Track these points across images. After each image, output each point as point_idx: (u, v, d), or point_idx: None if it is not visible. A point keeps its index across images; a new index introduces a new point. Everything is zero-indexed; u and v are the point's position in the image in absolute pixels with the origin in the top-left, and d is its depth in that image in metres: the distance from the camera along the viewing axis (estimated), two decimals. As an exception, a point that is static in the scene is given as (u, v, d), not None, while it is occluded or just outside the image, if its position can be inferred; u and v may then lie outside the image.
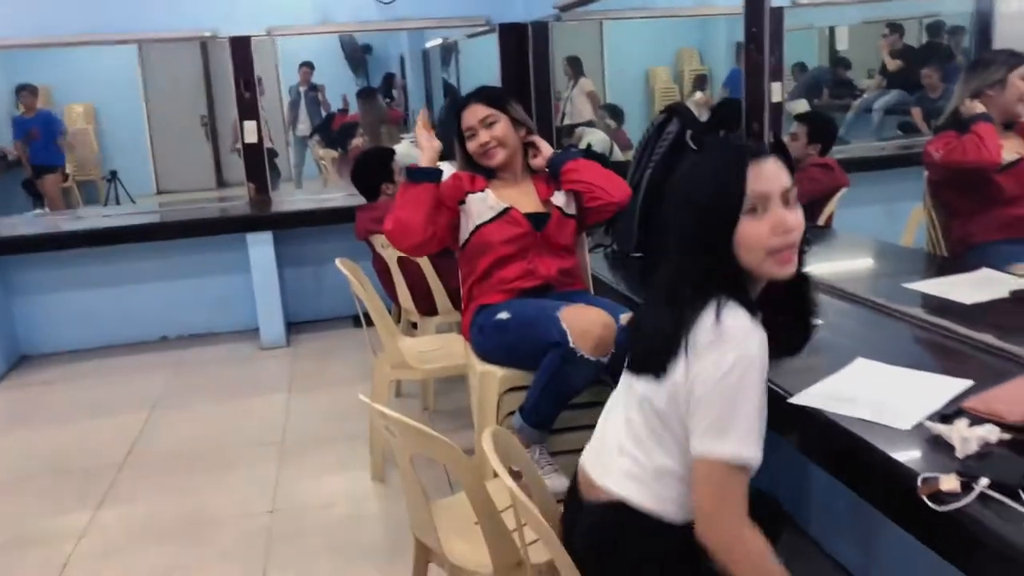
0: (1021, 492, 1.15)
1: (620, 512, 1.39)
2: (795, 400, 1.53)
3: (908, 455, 1.30)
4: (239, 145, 4.86)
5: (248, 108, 4.72)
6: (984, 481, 1.17)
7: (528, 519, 1.34)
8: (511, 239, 2.34)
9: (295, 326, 4.83)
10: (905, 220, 3.24)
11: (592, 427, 1.56)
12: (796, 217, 1.33)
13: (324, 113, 7.97)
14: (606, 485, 1.42)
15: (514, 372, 2.23)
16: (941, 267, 2.60)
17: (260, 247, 4.52)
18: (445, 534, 1.74)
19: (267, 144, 5.80)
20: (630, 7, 5.66)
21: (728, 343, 1.25)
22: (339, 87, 8.22)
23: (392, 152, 3.87)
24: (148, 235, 4.63)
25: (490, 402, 2.18)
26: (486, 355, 2.28)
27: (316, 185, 7.55)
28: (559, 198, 2.43)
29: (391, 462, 2.98)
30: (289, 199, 5.18)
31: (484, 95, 2.46)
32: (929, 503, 1.18)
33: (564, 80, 6.02)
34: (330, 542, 2.65)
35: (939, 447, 1.31)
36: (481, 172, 2.44)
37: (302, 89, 7.91)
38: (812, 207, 3.13)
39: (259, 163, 4.84)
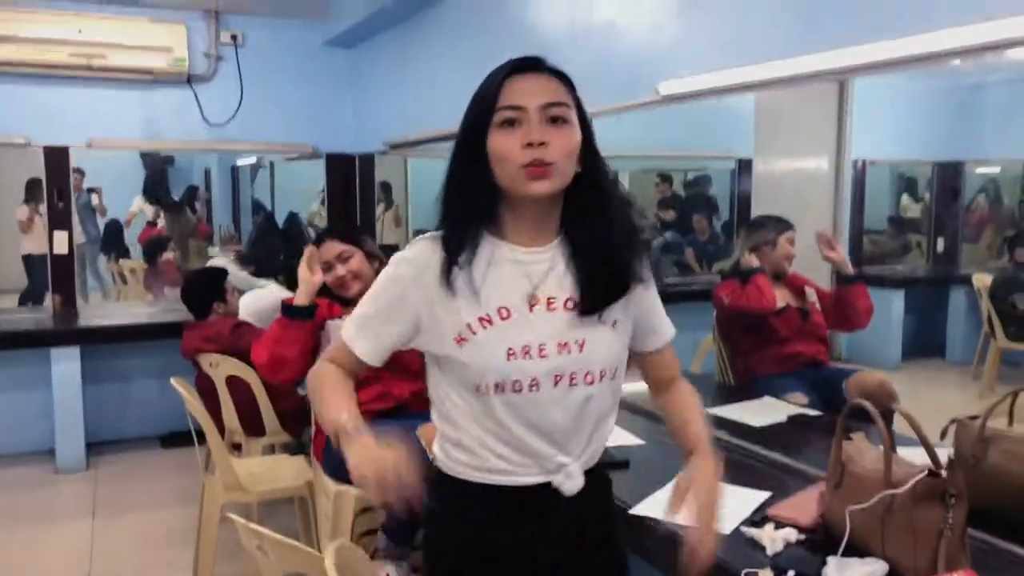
0: (818, 580, 1.45)
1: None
2: (634, 511, 1.79)
3: (730, 554, 1.58)
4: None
5: (60, 219, 4.56)
6: (791, 573, 1.47)
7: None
8: None
9: (95, 447, 4.55)
10: (693, 350, 3.73)
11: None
12: (559, 136, 1.27)
13: (101, 219, 7.52)
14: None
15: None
16: (730, 394, 3.02)
17: (64, 363, 4.28)
18: None
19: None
20: (432, 148, 6.10)
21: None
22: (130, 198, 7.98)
23: (224, 272, 3.90)
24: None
25: (345, 520, 2.26)
26: (340, 475, 2.37)
27: (97, 298, 7.17)
28: None
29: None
30: (97, 312, 4.96)
31: (338, 231, 2.65)
32: (751, 594, 1.45)
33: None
34: None
35: (753, 547, 1.60)
36: (337, 300, 2.59)
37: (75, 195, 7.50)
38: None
39: (68, 274, 4.64)
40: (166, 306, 4.97)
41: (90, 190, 7.53)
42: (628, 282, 1.38)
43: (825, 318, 3.02)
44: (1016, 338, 5.27)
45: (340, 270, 2.55)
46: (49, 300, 4.69)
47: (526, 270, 1.35)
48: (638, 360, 1.53)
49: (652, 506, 1.80)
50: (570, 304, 1.35)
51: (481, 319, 1.32)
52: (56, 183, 4.55)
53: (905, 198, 7.88)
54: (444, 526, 1.44)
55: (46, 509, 3.91)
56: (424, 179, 7.46)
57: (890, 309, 6.38)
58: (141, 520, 3.71)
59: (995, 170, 7.41)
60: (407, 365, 2.54)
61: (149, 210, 6.84)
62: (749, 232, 3.11)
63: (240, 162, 8.08)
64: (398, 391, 2.53)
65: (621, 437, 2.29)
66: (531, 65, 1.32)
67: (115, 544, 3.48)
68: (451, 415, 1.37)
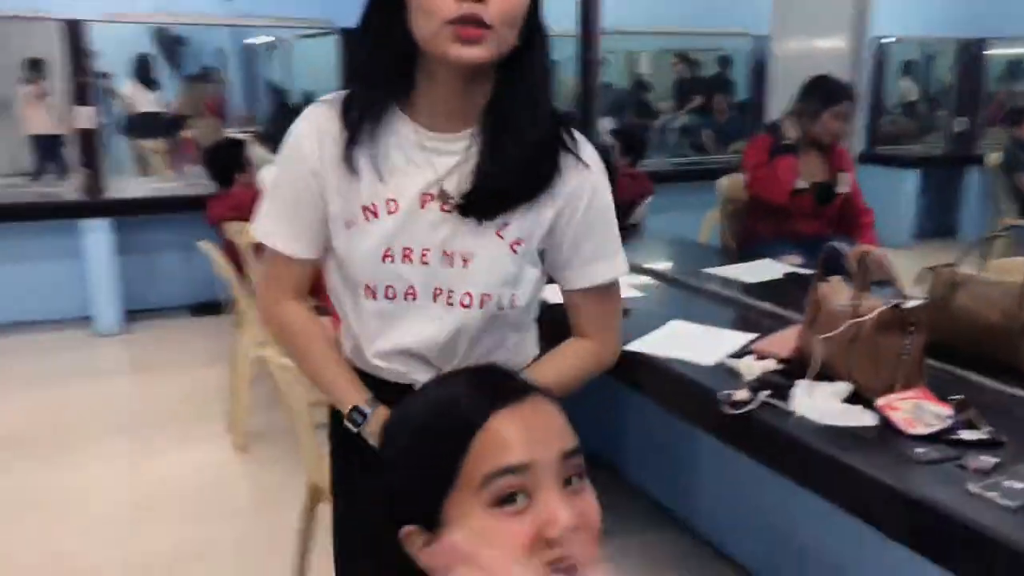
0: (785, 399, 1.62)
1: None
2: (627, 347, 1.96)
3: (711, 380, 1.76)
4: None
5: (82, 93, 4.65)
6: (764, 393, 1.64)
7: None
8: None
9: (128, 314, 4.79)
10: (699, 224, 3.86)
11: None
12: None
13: (113, 101, 7.55)
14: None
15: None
16: (731, 258, 3.17)
17: (96, 234, 4.47)
18: None
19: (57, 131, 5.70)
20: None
21: None
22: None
23: (243, 143, 4.03)
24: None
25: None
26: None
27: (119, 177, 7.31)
28: None
29: (252, 435, 3.19)
30: (122, 187, 5.12)
31: None
32: (729, 409, 1.63)
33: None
34: (195, 508, 2.80)
35: (733, 376, 1.77)
36: None
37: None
38: (621, 211, 3.64)
39: (93, 149, 4.77)
40: (189, 181, 5.12)
41: (103, 74, 7.59)
42: (525, 193, 1.20)
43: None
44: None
45: None
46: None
47: (430, 159, 1.18)
48: (564, 299, 1.34)
49: (645, 343, 1.98)
50: (454, 203, 1.18)
51: (365, 208, 1.18)
52: (75, 57, 4.61)
53: (905, 81, 7.79)
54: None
55: (87, 368, 4.18)
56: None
57: (903, 189, 6.45)
58: (177, 377, 3.97)
59: (1018, 50, 7.28)
60: None
61: (141, 96, 6.81)
62: (801, 94, 2.95)
63: (253, 40, 8.05)
64: None
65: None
66: None
67: (153, 398, 3.76)
68: (341, 307, 1.30)
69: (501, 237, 1.20)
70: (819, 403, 1.58)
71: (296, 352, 1.31)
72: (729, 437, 1.70)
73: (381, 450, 0.83)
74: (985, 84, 7.38)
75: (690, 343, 1.98)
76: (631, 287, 2.51)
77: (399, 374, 1.26)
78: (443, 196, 1.18)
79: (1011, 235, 3.76)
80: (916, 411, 1.52)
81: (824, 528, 2.13)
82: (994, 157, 5.73)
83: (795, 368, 1.78)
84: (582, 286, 1.30)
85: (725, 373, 1.80)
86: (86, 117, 4.70)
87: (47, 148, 5.72)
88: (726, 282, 2.58)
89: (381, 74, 1.16)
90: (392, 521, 0.75)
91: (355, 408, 1.25)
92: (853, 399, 1.60)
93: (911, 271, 1.93)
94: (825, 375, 1.68)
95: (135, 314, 4.81)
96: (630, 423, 2.85)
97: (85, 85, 4.65)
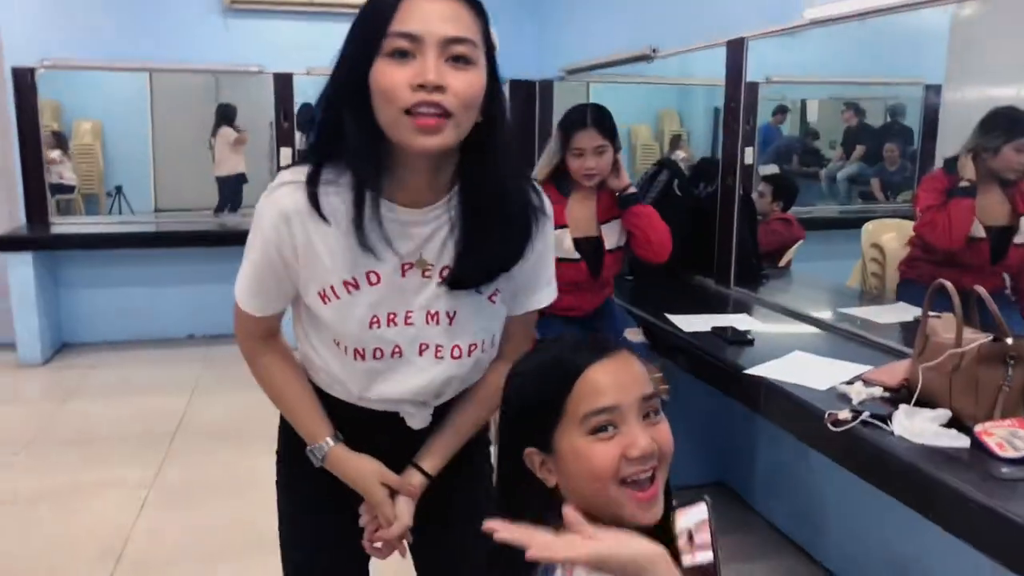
0: (887, 422, 1.76)
1: None
2: (749, 371, 2.15)
3: (822, 402, 1.92)
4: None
5: (286, 136, 5.33)
6: (866, 413, 1.79)
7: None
8: (571, 282, 2.58)
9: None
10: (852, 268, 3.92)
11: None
12: (461, 79, 1.08)
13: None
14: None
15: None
16: (871, 300, 3.25)
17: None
18: None
19: (239, 170, 6.40)
20: (620, 72, 6.39)
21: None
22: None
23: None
24: (194, 241, 5.23)
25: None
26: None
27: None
28: (612, 229, 2.69)
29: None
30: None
31: (603, 124, 2.61)
32: (831, 427, 1.79)
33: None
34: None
35: (843, 400, 1.93)
36: (564, 181, 2.66)
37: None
38: (773, 254, 3.77)
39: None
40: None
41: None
42: (511, 263, 1.25)
43: None
44: None
45: (591, 162, 2.59)
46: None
47: (407, 231, 1.20)
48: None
49: (766, 368, 2.16)
50: (446, 273, 1.23)
51: (346, 283, 1.20)
52: (283, 105, 5.30)
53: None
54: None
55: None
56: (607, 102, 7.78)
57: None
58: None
59: None
60: (603, 280, 2.77)
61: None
62: (980, 128, 2.75)
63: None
64: (587, 304, 2.77)
65: (744, 322, 2.64)
66: None
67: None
68: (309, 353, 1.32)
69: (480, 293, 1.27)
70: (917, 425, 1.72)
71: (272, 395, 1.37)
72: (834, 453, 1.85)
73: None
74: None
75: (807, 370, 2.14)
76: (758, 322, 2.68)
77: (386, 410, 1.35)
78: (422, 264, 1.22)
79: None
80: (1009, 437, 1.63)
81: (946, 561, 2.20)
82: None
83: (902, 396, 1.91)
84: (523, 312, 1.38)
85: (836, 397, 1.95)
86: (286, 157, 5.36)
87: (233, 187, 6.44)
88: (856, 321, 2.69)
89: (353, 156, 1.14)
90: (515, 446, 1.02)
91: (316, 446, 1.34)
92: (952, 425, 1.72)
93: None
94: (928, 403, 1.80)
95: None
96: (757, 452, 2.99)
97: (288, 129, 5.33)
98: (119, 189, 8.69)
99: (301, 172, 1.19)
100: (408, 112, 1.07)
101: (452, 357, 1.27)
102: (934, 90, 5.53)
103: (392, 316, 1.23)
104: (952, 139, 3.85)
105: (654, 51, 3.81)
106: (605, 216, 2.70)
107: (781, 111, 6.64)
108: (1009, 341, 1.72)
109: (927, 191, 2.81)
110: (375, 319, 1.22)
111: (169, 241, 5.20)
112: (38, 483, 3.32)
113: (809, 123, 7.97)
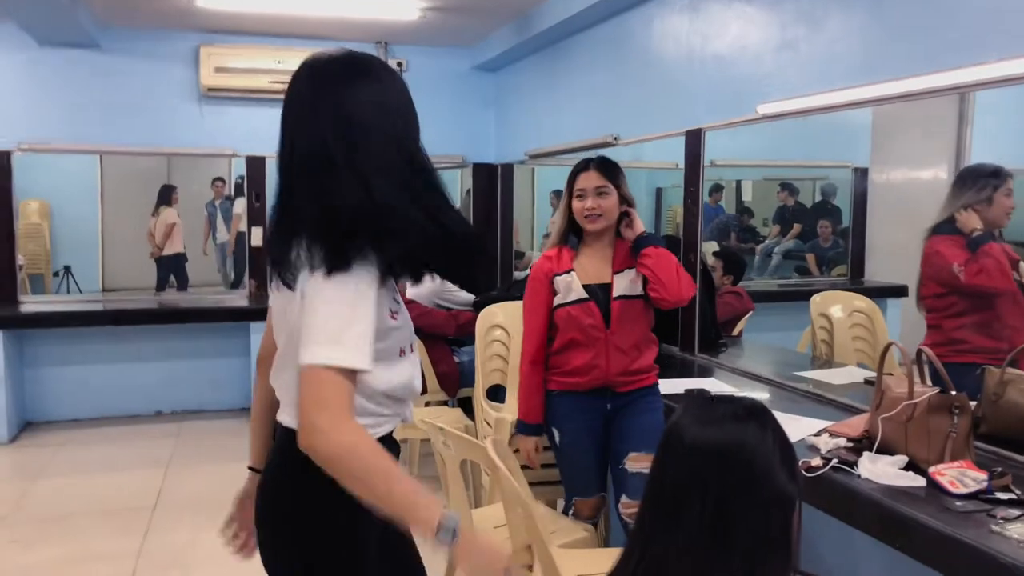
0: (854, 467, 2.01)
1: (289, 438, 1.35)
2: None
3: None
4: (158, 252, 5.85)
5: (257, 216, 5.51)
6: (835, 460, 2.04)
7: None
8: (582, 326, 2.60)
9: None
10: (799, 336, 4.23)
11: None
12: None
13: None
14: (281, 419, 1.46)
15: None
16: (822, 364, 3.54)
17: (260, 335, 5.18)
18: (477, 527, 2.45)
19: (180, 250, 6.47)
20: (571, 157, 6.79)
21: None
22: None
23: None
24: (158, 319, 5.32)
25: (503, 433, 2.96)
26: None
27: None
28: (625, 276, 2.62)
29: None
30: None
31: (603, 165, 2.63)
32: (805, 473, 2.03)
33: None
34: None
35: (812, 450, 2.17)
36: (574, 232, 2.71)
37: (217, 203, 8.12)
38: (727, 324, 4.07)
39: (262, 263, 5.59)
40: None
41: (229, 198, 8.54)
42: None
43: None
44: None
45: (591, 202, 2.59)
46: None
47: None
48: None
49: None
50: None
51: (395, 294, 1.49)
52: (255, 186, 5.50)
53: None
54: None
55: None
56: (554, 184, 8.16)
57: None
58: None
59: None
60: (622, 333, 2.62)
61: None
62: (959, 187, 2.80)
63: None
64: (609, 365, 2.62)
65: (713, 384, 2.88)
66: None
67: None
68: (379, 399, 1.44)
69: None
70: (880, 469, 1.97)
71: (381, 465, 1.27)
72: (807, 496, 2.08)
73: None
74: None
75: (777, 426, 2.39)
76: (727, 385, 2.93)
77: (391, 416, 1.50)
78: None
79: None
80: (960, 476, 1.89)
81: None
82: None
83: (863, 444, 2.17)
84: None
85: (806, 448, 2.20)
86: (258, 236, 5.53)
87: (173, 266, 6.51)
88: (810, 382, 2.97)
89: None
90: None
91: (446, 517, 1.26)
92: (909, 468, 1.97)
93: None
94: (887, 450, 2.06)
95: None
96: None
97: (260, 209, 5.51)
98: (67, 269, 8.68)
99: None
100: None
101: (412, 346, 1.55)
102: (861, 172, 6.02)
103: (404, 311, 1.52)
104: (880, 216, 4.23)
105: (616, 138, 4.13)
106: (621, 267, 2.65)
107: (717, 190, 7.07)
108: (953, 393, 2.00)
109: (949, 250, 2.69)
110: (405, 312, 1.51)
111: (136, 319, 5.25)
112: (22, 558, 3.34)
113: (744, 202, 8.48)
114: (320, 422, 1.25)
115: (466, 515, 2.47)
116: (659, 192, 7.73)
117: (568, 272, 2.65)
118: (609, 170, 2.62)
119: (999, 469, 1.91)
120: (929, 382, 2.09)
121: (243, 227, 6.06)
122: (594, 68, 4.55)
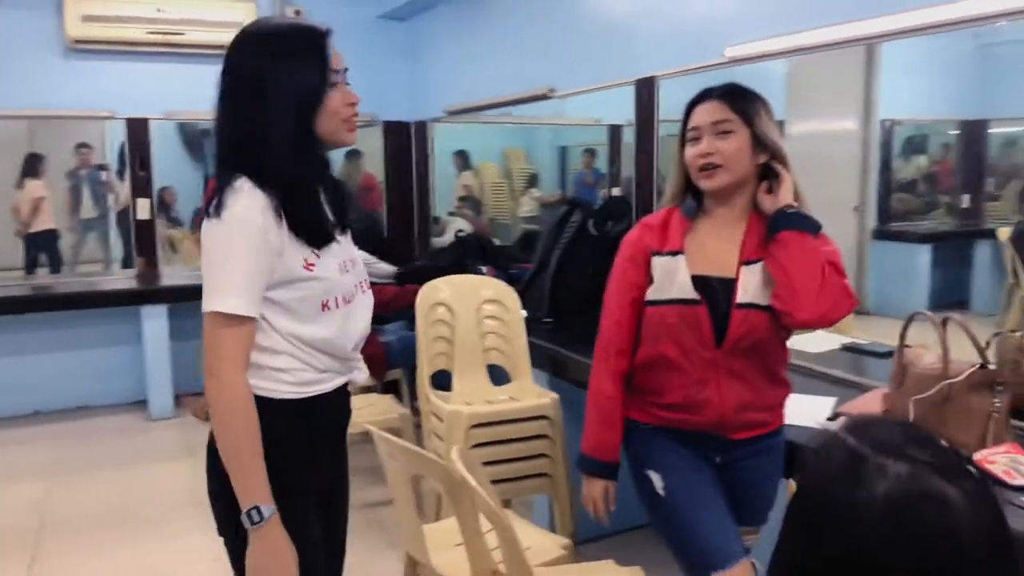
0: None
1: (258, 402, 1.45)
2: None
3: (815, 442, 1.89)
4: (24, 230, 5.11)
5: (142, 186, 4.89)
6: (866, 450, 1.78)
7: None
8: (682, 343, 1.74)
9: (179, 398, 4.88)
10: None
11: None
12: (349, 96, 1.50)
13: (110, 195, 7.12)
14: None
15: (481, 409, 2.67)
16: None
17: (154, 320, 4.63)
18: (432, 548, 2.09)
19: (50, 226, 5.76)
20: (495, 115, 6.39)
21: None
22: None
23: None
24: (33, 306, 4.65)
25: (458, 432, 2.59)
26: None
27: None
28: (756, 274, 1.73)
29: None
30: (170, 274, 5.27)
31: (730, 93, 1.75)
32: (833, 467, 1.76)
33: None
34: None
35: (829, 436, 1.91)
36: (693, 195, 1.82)
37: (83, 172, 7.24)
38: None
39: (150, 238, 4.98)
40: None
41: (100, 167, 7.66)
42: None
43: None
44: (1041, 286, 5.54)
45: (707, 145, 1.72)
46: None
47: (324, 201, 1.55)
48: None
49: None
50: (341, 230, 1.57)
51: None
52: (138, 152, 4.87)
53: (912, 161, 8.10)
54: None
55: (154, 449, 4.29)
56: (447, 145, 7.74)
57: (917, 263, 6.67)
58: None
59: (1018, 128, 7.61)
60: (739, 355, 1.75)
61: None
62: None
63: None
64: (719, 400, 1.75)
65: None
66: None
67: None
68: (275, 346, 1.47)
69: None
70: (919, 458, 1.72)
71: (241, 429, 1.40)
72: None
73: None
74: (985, 162, 7.68)
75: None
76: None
77: (333, 372, 1.55)
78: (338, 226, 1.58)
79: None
80: (1012, 464, 1.65)
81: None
82: (1003, 232, 5.94)
83: (886, 428, 1.92)
84: None
85: (822, 435, 1.93)
86: (143, 208, 4.92)
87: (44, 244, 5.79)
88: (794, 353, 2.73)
89: (303, 157, 1.47)
90: None
91: (256, 507, 1.39)
92: (949, 454, 1.73)
93: (929, 340, 1.97)
94: (918, 434, 1.81)
95: (186, 398, 4.92)
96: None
97: (146, 178, 4.89)
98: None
99: (244, 183, 1.41)
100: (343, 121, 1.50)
101: (365, 287, 1.60)
102: (779, 125, 5.89)
103: (344, 264, 1.53)
104: (797, 167, 4.13)
105: (551, 90, 3.78)
106: (752, 254, 1.75)
107: (590, 153, 6.82)
108: (992, 367, 1.76)
109: None
110: (340, 267, 1.51)
111: (5, 307, 4.57)
112: None
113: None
114: (211, 366, 1.40)
115: (417, 533, 2.10)
116: (563, 151, 7.46)
117: (674, 254, 1.76)
118: (737, 99, 1.73)
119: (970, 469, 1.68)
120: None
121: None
122: (521, 14, 4.16)
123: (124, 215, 5.26)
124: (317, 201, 1.51)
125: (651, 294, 1.77)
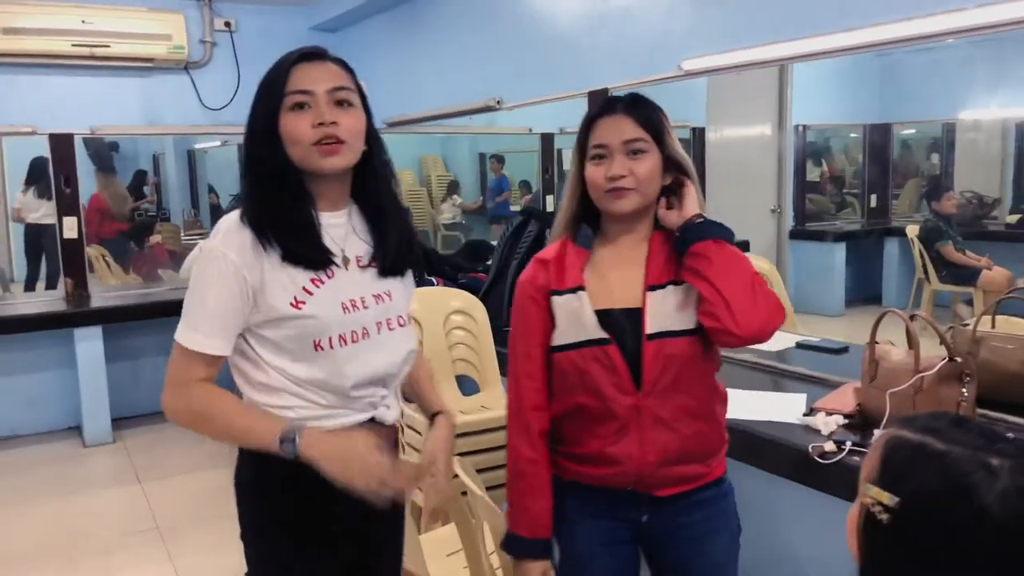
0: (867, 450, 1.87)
1: None
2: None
3: (797, 437, 2.00)
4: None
5: (69, 203, 4.70)
6: (850, 443, 1.89)
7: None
8: (598, 390, 1.53)
9: (116, 422, 4.71)
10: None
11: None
12: (347, 118, 1.42)
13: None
14: None
15: (462, 419, 2.68)
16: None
17: (88, 342, 4.45)
18: (428, 560, 2.12)
19: None
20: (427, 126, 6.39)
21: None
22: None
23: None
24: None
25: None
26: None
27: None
28: (667, 297, 1.54)
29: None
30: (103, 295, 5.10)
31: (637, 106, 1.55)
32: (818, 460, 1.87)
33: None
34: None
35: (812, 432, 2.02)
36: (587, 219, 1.61)
37: None
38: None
39: (79, 258, 4.79)
40: (170, 285, 5.16)
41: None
42: (415, 250, 1.58)
43: None
44: (947, 281, 5.90)
45: (619, 166, 1.51)
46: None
47: (327, 233, 1.46)
48: None
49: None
50: (365, 261, 1.50)
51: (313, 280, 1.43)
52: (63, 170, 4.68)
53: (823, 163, 8.55)
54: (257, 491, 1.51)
55: (92, 477, 4.12)
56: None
57: (832, 261, 7.01)
58: (187, 480, 3.96)
59: (912, 131, 8.12)
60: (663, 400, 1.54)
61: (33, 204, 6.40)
62: None
63: (198, 145, 8.16)
64: (639, 452, 1.54)
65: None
66: (316, 55, 1.45)
67: (171, 501, 3.74)
68: (271, 383, 1.44)
69: (402, 276, 1.58)
70: (899, 448, 1.84)
71: (216, 414, 1.41)
72: (819, 484, 1.93)
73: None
74: (889, 163, 8.15)
75: (755, 406, 2.22)
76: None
77: (368, 402, 1.50)
78: (354, 257, 1.51)
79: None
80: (984, 448, 1.79)
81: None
82: (912, 229, 6.30)
83: (860, 421, 2.05)
84: None
85: (803, 431, 2.04)
86: (71, 227, 4.73)
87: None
88: (749, 351, 2.85)
89: (288, 189, 1.43)
90: None
91: (286, 430, 1.37)
92: (925, 443, 1.86)
93: (844, 335, 2.09)
94: (890, 423, 1.94)
95: (122, 421, 4.75)
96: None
97: (72, 196, 4.71)
98: None
99: (232, 217, 1.43)
100: (313, 145, 1.39)
101: (399, 324, 1.52)
102: (699, 132, 6.12)
103: (354, 302, 1.46)
104: (717, 174, 4.30)
105: (499, 102, 3.83)
106: (659, 278, 1.56)
107: (498, 160, 6.96)
108: (959, 360, 1.90)
109: None
110: (345, 305, 1.45)
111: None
112: None
113: (567, 171, 8.46)
114: (164, 391, 1.43)
115: (413, 545, 2.12)
116: (482, 158, 7.53)
117: (575, 291, 1.55)
118: (644, 114, 1.54)
119: (1010, 435, 1.83)
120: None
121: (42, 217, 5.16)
122: (461, 25, 4.19)
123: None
124: (302, 232, 1.44)
125: (557, 339, 1.56)
